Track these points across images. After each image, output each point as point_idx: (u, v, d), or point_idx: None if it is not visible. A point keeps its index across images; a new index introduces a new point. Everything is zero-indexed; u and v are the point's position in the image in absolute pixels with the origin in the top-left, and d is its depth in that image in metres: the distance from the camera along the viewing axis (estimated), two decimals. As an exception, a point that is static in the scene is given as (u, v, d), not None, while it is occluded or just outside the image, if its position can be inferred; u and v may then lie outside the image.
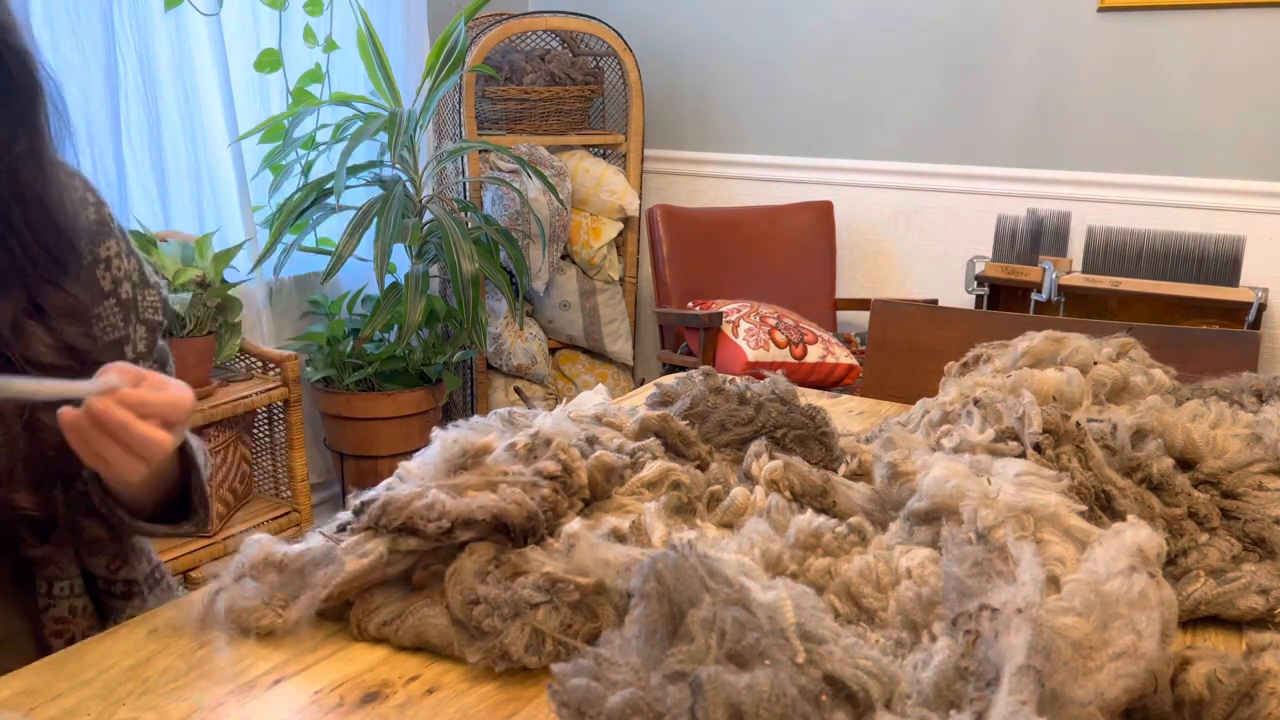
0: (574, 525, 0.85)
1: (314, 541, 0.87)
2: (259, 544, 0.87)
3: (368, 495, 0.90)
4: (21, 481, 0.93)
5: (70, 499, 0.98)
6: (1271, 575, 0.89)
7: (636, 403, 1.23)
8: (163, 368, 1.07)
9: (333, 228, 2.85)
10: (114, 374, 0.84)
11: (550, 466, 0.93)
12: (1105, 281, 2.70)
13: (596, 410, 1.13)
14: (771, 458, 1.01)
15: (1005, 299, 2.89)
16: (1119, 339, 1.24)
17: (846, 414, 1.48)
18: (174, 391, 0.87)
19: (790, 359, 2.76)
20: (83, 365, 0.91)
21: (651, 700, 0.59)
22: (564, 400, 1.19)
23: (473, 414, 2.59)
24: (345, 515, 0.91)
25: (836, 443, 1.11)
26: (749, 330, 2.80)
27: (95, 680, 0.78)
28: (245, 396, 2.38)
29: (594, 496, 0.98)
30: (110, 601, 1.02)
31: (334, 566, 0.84)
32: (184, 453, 1.00)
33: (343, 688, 0.78)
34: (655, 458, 1.02)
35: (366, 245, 2.63)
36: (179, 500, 1.02)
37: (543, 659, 0.77)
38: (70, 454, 0.87)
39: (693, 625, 0.62)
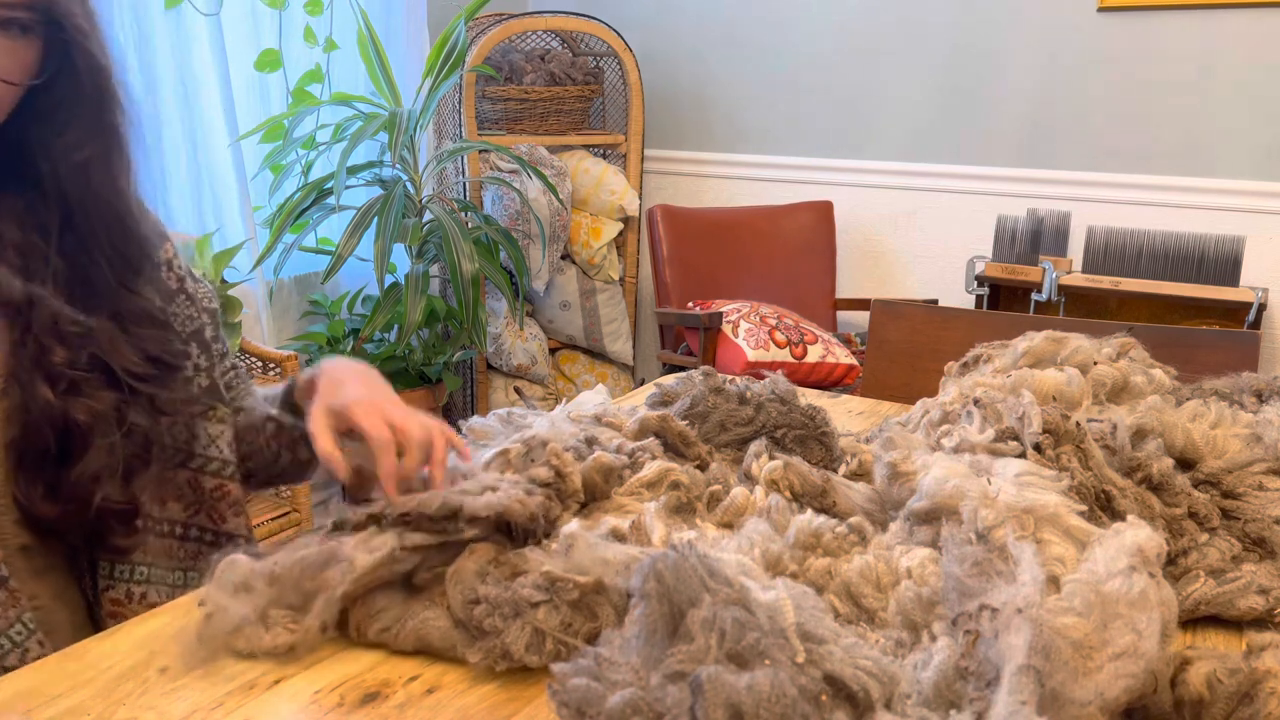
0: (572, 525, 0.85)
1: (305, 548, 0.85)
2: (238, 562, 0.84)
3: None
4: (117, 480, 0.96)
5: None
6: (1271, 575, 0.89)
7: (636, 403, 1.23)
8: (224, 347, 1.12)
9: (333, 228, 2.85)
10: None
11: (543, 474, 0.92)
12: (1105, 281, 2.70)
13: (596, 410, 1.13)
14: (771, 458, 1.01)
15: (1005, 299, 2.89)
16: (1119, 339, 1.24)
17: (846, 414, 1.48)
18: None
19: (790, 359, 2.76)
20: (168, 373, 0.98)
21: (651, 700, 0.59)
22: (564, 400, 1.19)
23: (473, 414, 2.60)
24: (324, 521, 0.88)
25: (836, 443, 1.11)
26: (749, 330, 2.80)
27: (95, 680, 0.78)
28: (245, 396, 2.38)
29: (593, 497, 0.98)
30: (194, 548, 1.05)
31: (343, 565, 0.82)
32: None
33: (343, 688, 0.78)
34: (655, 458, 1.02)
35: (366, 245, 2.63)
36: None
37: (544, 658, 0.76)
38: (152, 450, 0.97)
39: (693, 625, 0.62)
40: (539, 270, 3.14)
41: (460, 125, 3.15)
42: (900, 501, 0.89)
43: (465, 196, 3.17)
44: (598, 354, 3.43)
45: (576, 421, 1.09)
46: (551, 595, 0.78)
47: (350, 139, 2.59)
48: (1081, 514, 0.82)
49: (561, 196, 3.10)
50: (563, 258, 3.30)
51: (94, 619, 0.99)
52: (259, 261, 2.63)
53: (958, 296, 2.99)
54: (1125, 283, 2.69)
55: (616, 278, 3.38)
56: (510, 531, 0.86)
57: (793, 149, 3.36)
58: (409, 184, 2.77)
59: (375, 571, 0.83)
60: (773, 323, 2.83)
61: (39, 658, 0.91)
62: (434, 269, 2.99)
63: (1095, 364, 1.18)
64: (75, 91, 0.92)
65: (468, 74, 3.03)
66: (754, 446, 1.04)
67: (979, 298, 2.88)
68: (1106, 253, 2.75)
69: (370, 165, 2.84)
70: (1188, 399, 1.18)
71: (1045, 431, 0.94)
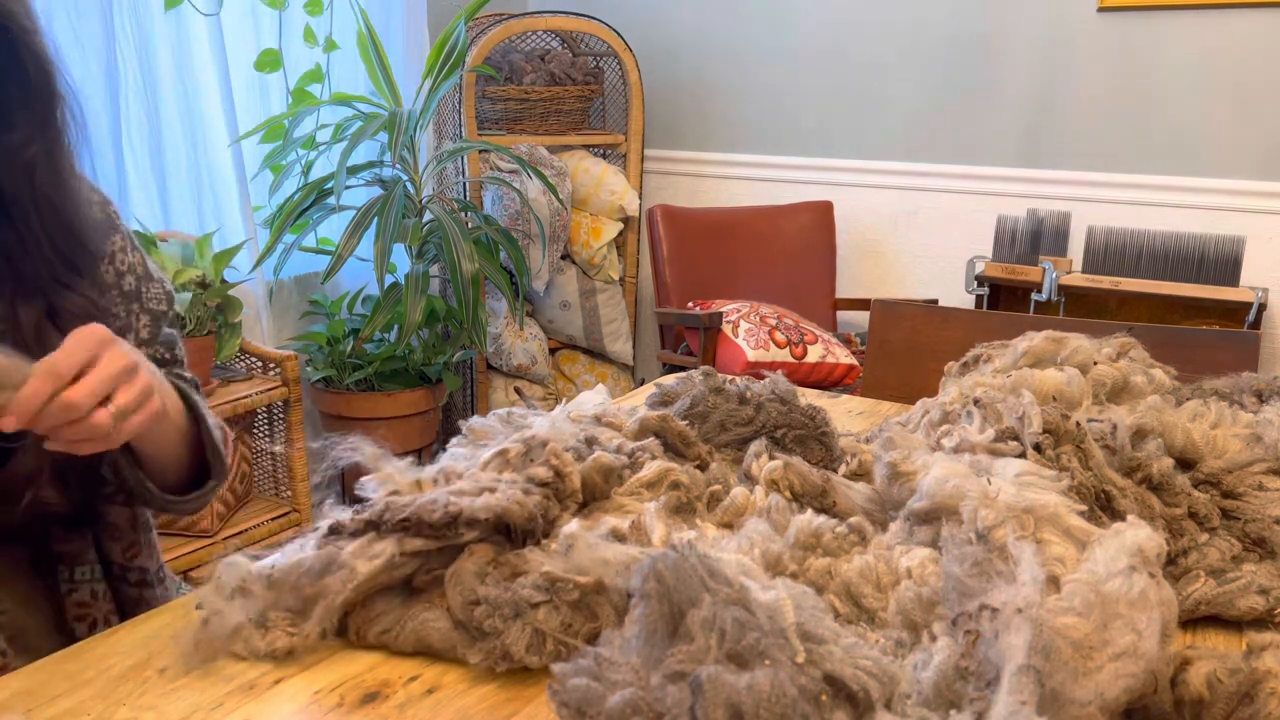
0: (572, 526, 0.85)
1: (304, 551, 0.85)
2: (237, 564, 0.83)
3: (364, 488, 0.89)
4: (48, 479, 0.95)
5: (91, 489, 1.00)
6: (1271, 575, 0.89)
7: (636, 403, 1.23)
8: (171, 351, 1.10)
9: (333, 228, 2.85)
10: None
11: (542, 473, 0.92)
12: (1105, 281, 2.70)
13: (596, 410, 1.13)
14: (771, 458, 1.01)
15: (1005, 299, 2.89)
16: (1119, 339, 1.24)
17: (846, 414, 1.48)
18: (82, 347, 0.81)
19: (790, 359, 2.76)
20: None
21: (651, 700, 0.59)
22: (564, 400, 1.19)
23: (473, 414, 2.60)
24: (325, 523, 0.87)
25: (836, 443, 1.10)
26: (749, 330, 2.80)
27: (95, 680, 0.78)
28: (245, 396, 2.38)
29: (593, 497, 0.98)
30: (125, 589, 1.03)
31: (344, 571, 0.82)
32: (192, 411, 1.02)
33: (343, 688, 0.78)
34: (655, 458, 1.02)
35: (366, 245, 2.63)
36: (201, 466, 1.05)
37: (544, 659, 0.76)
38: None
39: (693, 625, 0.62)
40: (539, 270, 3.14)
41: (460, 125, 3.15)
42: (900, 501, 0.89)
43: (465, 196, 3.17)
44: (598, 354, 3.43)
45: (576, 421, 1.09)
46: (551, 596, 0.78)
47: (350, 139, 2.59)
48: (1081, 514, 0.82)
49: (561, 196, 3.10)
50: (563, 258, 3.30)
51: (64, 622, 0.98)
52: (259, 261, 2.63)
53: (958, 296, 2.99)
54: (1125, 283, 2.69)
55: (616, 278, 3.38)
56: (509, 532, 0.86)
57: (793, 149, 3.36)
58: (409, 184, 2.77)
59: (375, 578, 0.83)
60: (773, 323, 2.83)
61: (5, 661, 0.91)
62: (434, 269, 2.99)
63: (1095, 364, 1.18)
64: (23, 91, 0.90)
65: (468, 74, 3.03)
66: (754, 446, 1.04)
67: (979, 298, 2.88)
68: (1106, 253, 2.75)
69: (370, 165, 2.84)
70: (1188, 399, 1.18)
71: (1045, 431, 0.94)
